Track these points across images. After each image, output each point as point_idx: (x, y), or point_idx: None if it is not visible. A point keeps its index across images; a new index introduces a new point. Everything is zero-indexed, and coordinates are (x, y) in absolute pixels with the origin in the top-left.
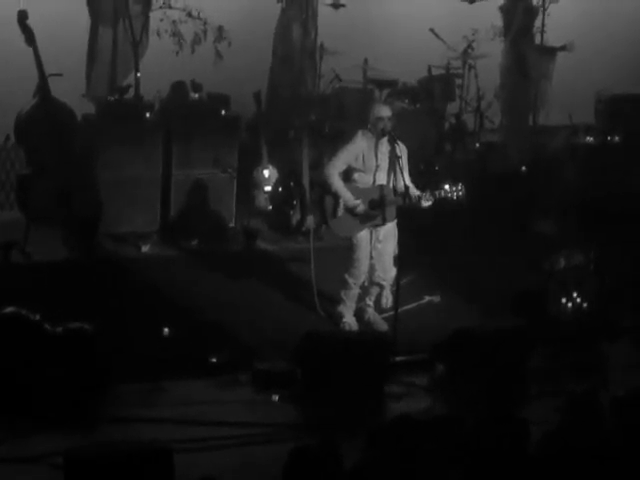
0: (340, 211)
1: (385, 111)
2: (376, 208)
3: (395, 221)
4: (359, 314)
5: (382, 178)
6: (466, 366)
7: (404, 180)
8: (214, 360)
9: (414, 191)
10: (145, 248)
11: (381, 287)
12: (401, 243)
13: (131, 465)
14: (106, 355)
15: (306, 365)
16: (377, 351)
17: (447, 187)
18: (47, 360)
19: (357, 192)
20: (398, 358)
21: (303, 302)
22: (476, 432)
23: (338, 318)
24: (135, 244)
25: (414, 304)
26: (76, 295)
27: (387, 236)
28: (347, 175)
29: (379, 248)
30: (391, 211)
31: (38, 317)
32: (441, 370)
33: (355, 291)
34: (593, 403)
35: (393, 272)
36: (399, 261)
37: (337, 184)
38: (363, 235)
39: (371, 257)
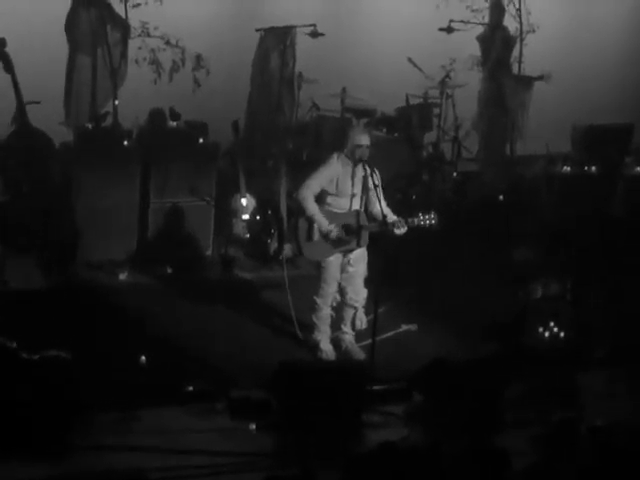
0: (316, 235)
1: (364, 139)
2: (351, 233)
3: (365, 245)
4: (336, 343)
5: (357, 204)
6: (443, 395)
7: (382, 207)
8: (190, 388)
9: (392, 217)
10: (122, 276)
11: (354, 309)
12: (378, 271)
13: None
14: (82, 383)
15: (282, 394)
16: (354, 380)
17: (420, 215)
18: (23, 388)
19: (331, 216)
20: (375, 387)
21: (280, 331)
22: (455, 462)
23: (315, 347)
24: (112, 272)
25: (391, 333)
26: (53, 323)
27: (358, 259)
28: (321, 198)
29: (350, 271)
30: (365, 236)
31: (15, 345)
32: (418, 399)
33: (325, 312)
34: (571, 432)
35: (364, 293)
36: (376, 290)
37: (312, 208)
38: (332, 258)
39: (340, 279)
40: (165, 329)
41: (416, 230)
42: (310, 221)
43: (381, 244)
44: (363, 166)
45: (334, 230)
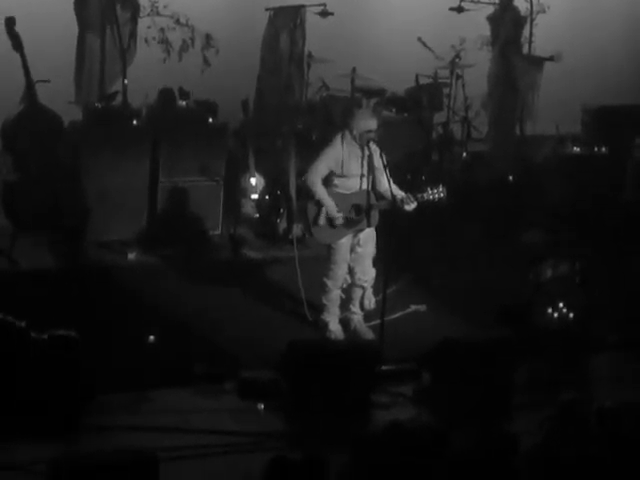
0: (322, 220)
1: (372, 124)
2: (361, 213)
3: (375, 224)
4: (345, 323)
5: (366, 184)
6: (452, 376)
7: (390, 186)
8: (199, 368)
9: (401, 193)
10: (131, 255)
11: (363, 289)
12: (387, 252)
13: (116, 474)
14: (91, 363)
15: (291, 374)
16: (363, 360)
17: (428, 189)
18: (32, 367)
19: (340, 198)
20: (384, 367)
21: (289, 310)
22: (463, 445)
23: (323, 327)
24: (121, 252)
25: (400, 313)
26: (62, 302)
27: (367, 240)
28: (329, 180)
29: (359, 252)
30: (375, 215)
31: (24, 324)
32: (427, 380)
33: (335, 293)
34: (580, 414)
35: (373, 273)
36: (385, 271)
37: (320, 192)
38: (344, 240)
39: (349, 260)
40: (174, 309)
41: (425, 209)
42: (319, 205)
43: (390, 224)
44: (368, 146)
45: (339, 218)
